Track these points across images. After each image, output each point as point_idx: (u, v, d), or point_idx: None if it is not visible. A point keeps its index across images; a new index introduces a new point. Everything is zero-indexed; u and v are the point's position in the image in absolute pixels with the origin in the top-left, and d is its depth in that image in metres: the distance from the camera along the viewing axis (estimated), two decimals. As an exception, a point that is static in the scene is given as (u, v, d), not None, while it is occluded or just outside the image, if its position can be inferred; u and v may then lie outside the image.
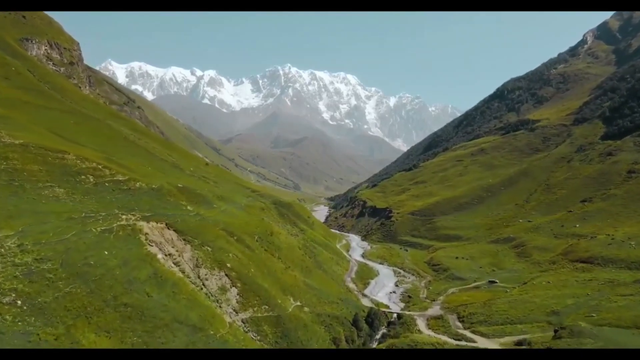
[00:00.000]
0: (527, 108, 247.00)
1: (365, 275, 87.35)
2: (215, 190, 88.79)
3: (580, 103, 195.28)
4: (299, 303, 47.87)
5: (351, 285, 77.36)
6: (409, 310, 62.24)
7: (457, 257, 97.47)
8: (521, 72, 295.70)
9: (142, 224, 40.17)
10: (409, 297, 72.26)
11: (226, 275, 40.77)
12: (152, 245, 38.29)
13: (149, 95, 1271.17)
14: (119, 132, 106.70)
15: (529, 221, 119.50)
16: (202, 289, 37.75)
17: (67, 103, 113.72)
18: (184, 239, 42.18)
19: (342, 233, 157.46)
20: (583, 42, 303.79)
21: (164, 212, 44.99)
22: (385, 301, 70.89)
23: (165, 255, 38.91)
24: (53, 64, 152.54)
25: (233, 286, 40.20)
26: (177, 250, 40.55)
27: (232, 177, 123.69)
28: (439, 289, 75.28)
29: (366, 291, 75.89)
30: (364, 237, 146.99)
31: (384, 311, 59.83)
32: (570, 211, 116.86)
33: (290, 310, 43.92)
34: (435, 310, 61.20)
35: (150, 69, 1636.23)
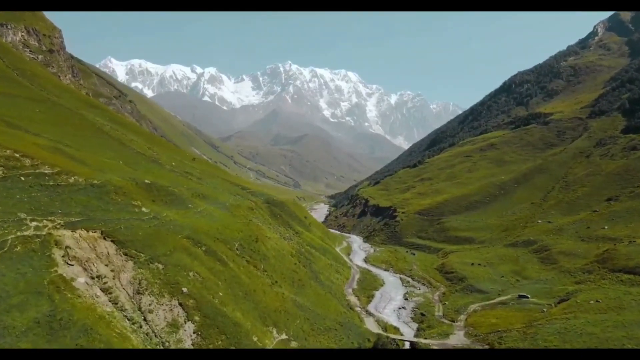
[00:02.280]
0: (537, 102, 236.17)
1: (368, 285, 75.76)
2: (197, 188, 77.50)
3: (595, 96, 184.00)
4: (284, 336, 36.38)
5: (352, 299, 65.70)
6: (425, 337, 50.44)
7: (472, 264, 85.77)
8: (526, 68, 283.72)
9: (64, 233, 28.81)
10: (422, 314, 60.48)
11: (180, 304, 29.31)
12: (71, 265, 26.94)
13: (149, 93, 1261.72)
14: (92, 122, 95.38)
15: (549, 222, 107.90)
16: (140, 327, 26.41)
17: (36, 91, 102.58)
18: (126, 253, 30.81)
19: (343, 234, 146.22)
20: (594, 33, 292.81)
21: (103, 217, 33.64)
22: (393, 320, 59.23)
23: (92, 278, 27.53)
24: (30, 51, 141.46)
25: (189, 320, 28.72)
26: (112, 270, 29.19)
27: (221, 173, 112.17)
28: (457, 304, 63.46)
29: (370, 306, 64.16)
30: (366, 239, 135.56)
31: (394, 339, 48.18)
32: (596, 211, 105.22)
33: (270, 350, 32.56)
34: (459, 337, 49.32)
35: (150, 66, 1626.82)
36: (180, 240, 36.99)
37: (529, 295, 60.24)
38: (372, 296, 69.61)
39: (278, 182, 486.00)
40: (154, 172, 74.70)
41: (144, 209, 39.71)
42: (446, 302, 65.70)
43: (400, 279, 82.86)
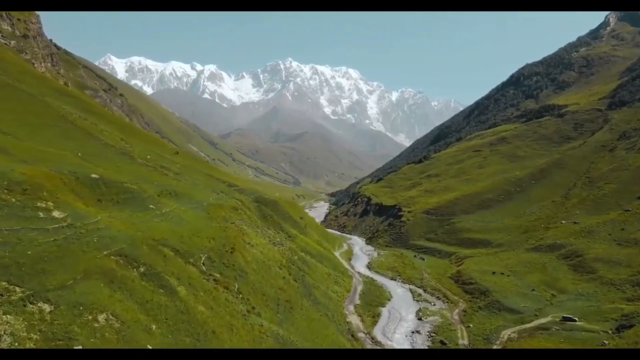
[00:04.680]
0: (547, 94, 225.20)
1: (373, 300, 63.73)
2: (170, 184, 65.64)
3: (611, 87, 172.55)
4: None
5: (354, 320, 53.68)
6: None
7: (494, 272, 73.64)
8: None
9: None
10: (442, 343, 48.45)
11: (66, 377, 17.60)
12: None
13: (148, 90, 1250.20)
14: (56, 110, 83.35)
15: (575, 222, 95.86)
16: None
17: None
18: (-10, 288, 19.04)
19: (343, 235, 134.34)
20: (605, 24, 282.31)
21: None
22: (406, 350, 47.39)
23: None
24: (2, 36, 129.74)
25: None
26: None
27: (206, 168, 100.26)
28: (484, 328, 51.23)
29: (377, 330, 52.03)
30: (369, 240, 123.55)
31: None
32: (628, 210, 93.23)
33: None
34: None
35: (150, 63, 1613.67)
36: (102, 260, 24.97)
37: (576, 318, 48.01)
38: (379, 315, 57.44)
39: (277, 179, 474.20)
40: (118, 166, 62.93)
41: (55, 214, 27.77)
42: (470, 325, 53.43)
43: (410, 290, 70.70)
